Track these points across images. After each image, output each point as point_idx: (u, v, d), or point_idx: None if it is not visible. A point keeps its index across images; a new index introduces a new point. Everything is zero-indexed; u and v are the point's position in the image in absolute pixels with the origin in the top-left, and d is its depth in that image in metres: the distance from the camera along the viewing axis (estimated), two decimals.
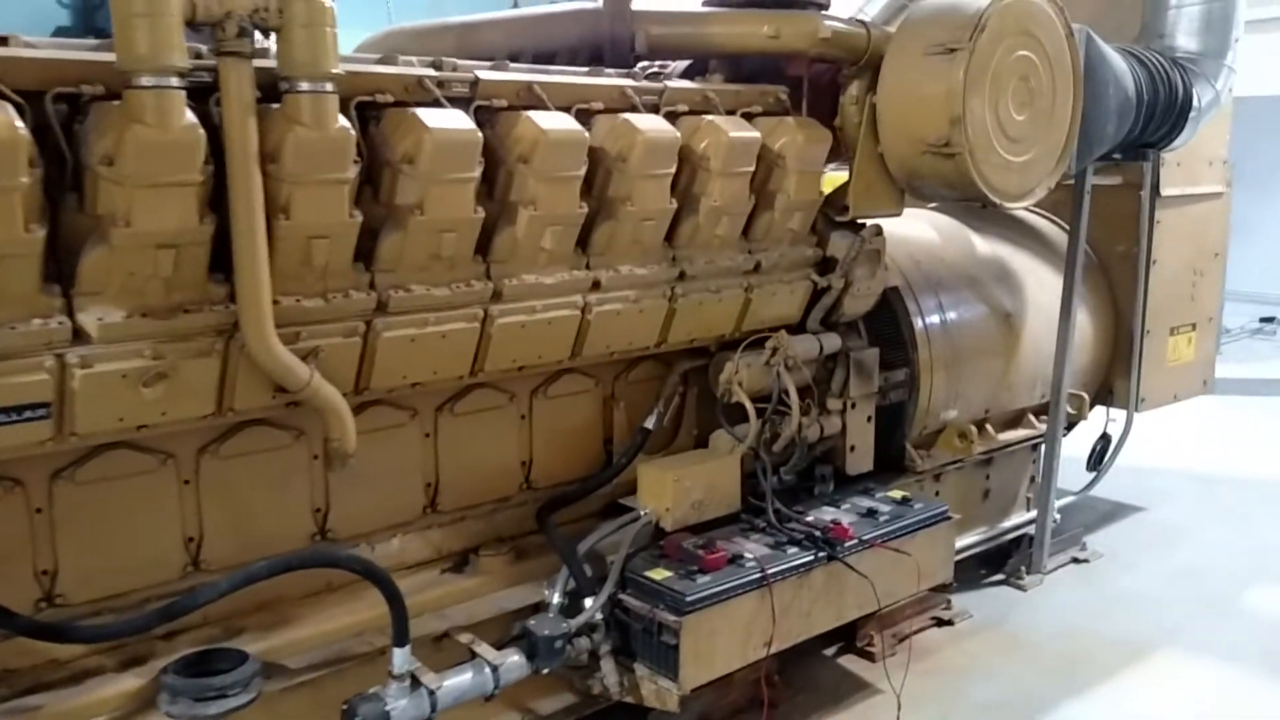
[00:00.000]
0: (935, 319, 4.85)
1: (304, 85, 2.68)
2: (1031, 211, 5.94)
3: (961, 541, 5.14)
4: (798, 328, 4.27)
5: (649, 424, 3.98)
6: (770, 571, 3.60)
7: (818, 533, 3.82)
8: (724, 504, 3.92)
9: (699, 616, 3.39)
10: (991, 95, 3.86)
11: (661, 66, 4.54)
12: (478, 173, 3.04)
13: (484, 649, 3.18)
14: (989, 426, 5.19)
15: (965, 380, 4.96)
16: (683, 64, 4.43)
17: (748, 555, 3.66)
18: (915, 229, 5.24)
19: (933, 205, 5.57)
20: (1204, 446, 7.62)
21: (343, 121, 2.75)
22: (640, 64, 4.23)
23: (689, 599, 3.38)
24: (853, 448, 4.44)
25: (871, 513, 4.10)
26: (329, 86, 2.71)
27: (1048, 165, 4.17)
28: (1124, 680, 4.46)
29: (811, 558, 3.74)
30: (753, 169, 3.75)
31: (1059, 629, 4.90)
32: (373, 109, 3.00)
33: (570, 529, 3.86)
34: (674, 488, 3.74)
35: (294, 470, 3.25)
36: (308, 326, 2.87)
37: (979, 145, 3.86)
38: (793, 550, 3.75)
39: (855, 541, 3.86)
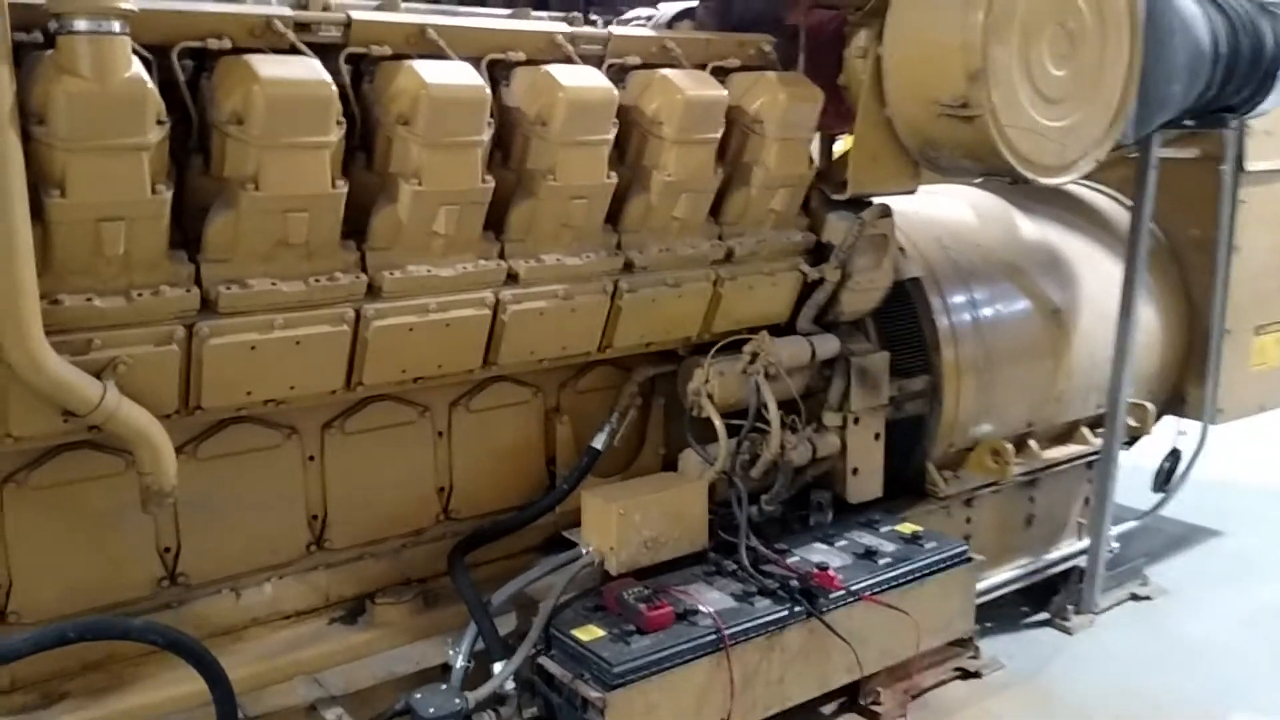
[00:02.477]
0: (965, 316, 4.10)
1: (80, 25, 2.09)
2: (1091, 188, 5.13)
3: (998, 576, 4.44)
4: (787, 328, 3.57)
5: (598, 443, 3.32)
6: (730, 632, 2.93)
7: (794, 581, 3.13)
8: (686, 541, 3.24)
9: (631, 692, 2.74)
10: (1021, 45, 3.11)
11: (648, 18, 3.88)
12: (334, 137, 2.41)
13: None
14: (1032, 443, 4.43)
15: (1002, 389, 4.20)
16: (673, 10, 3.75)
17: (703, 610, 2.99)
18: (947, 209, 4.49)
19: (978, 181, 4.79)
20: None
21: (136, 71, 2.14)
22: (629, 13, 3.57)
23: (617, 670, 2.73)
24: (855, 470, 3.72)
25: (870, 553, 3.39)
26: (116, 27, 2.11)
27: (1094, 132, 3.39)
28: None
29: (785, 613, 3.06)
30: (718, 136, 3.06)
31: (1107, 684, 4.13)
32: (212, 59, 2.39)
33: (502, 568, 3.24)
34: (619, 522, 3.08)
35: (131, 503, 2.65)
36: (103, 332, 2.28)
37: (1005, 106, 3.11)
38: (763, 603, 3.08)
39: (842, 593, 3.16)
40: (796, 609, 3.08)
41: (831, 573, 3.18)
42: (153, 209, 2.23)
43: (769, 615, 3.03)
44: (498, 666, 2.82)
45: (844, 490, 3.73)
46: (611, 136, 2.86)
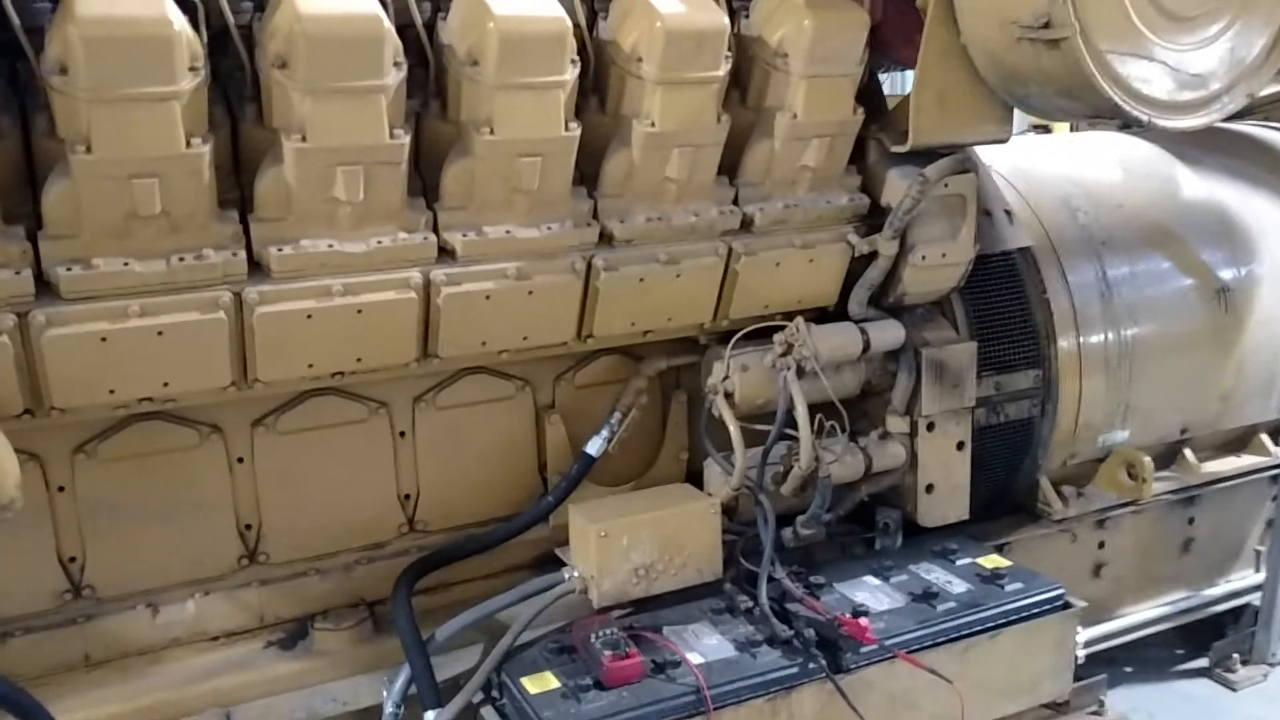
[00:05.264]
0: (1093, 296, 3.34)
1: None
2: None
3: (1141, 613, 3.66)
4: (839, 312, 2.93)
5: (592, 448, 2.80)
6: (716, 691, 2.36)
7: (810, 631, 2.52)
8: (693, 570, 2.69)
9: None
10: None
11: None
12: (186, 85, 1.99)
13: None
14: (1188, 453, 3.59)
15: (1143, 388, 3.41)
16: None
17: (691, 659, 2.44)
18: (1084, 162, 3.70)
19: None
20: None
21: None
22: None
23: None
24: (930, 488, 3.03)
25: (928, 595, 2.72)
26: None
27: (1244, 59, 2.55)
28: None
29: (795, 671, 2.46)
30: (719, 74, 2.45)
31: None
32: None
33: (483, 589, 2.78)
34: (601, 546, 2.57)
35: (31, 509, 2.36)
36: None
37: (1103, 26, 2.36)
38: (770, 656, 2.48)
39: (875, 647, 2.52)
40: (810, 665, 2.48)
41: (864, 621, 2.54)
42: None
43: (772, 672, 2.44)
44: (429, 716, 2.37)
45: (914, 511, 3.05)
46: (569, 77, 2.31)
